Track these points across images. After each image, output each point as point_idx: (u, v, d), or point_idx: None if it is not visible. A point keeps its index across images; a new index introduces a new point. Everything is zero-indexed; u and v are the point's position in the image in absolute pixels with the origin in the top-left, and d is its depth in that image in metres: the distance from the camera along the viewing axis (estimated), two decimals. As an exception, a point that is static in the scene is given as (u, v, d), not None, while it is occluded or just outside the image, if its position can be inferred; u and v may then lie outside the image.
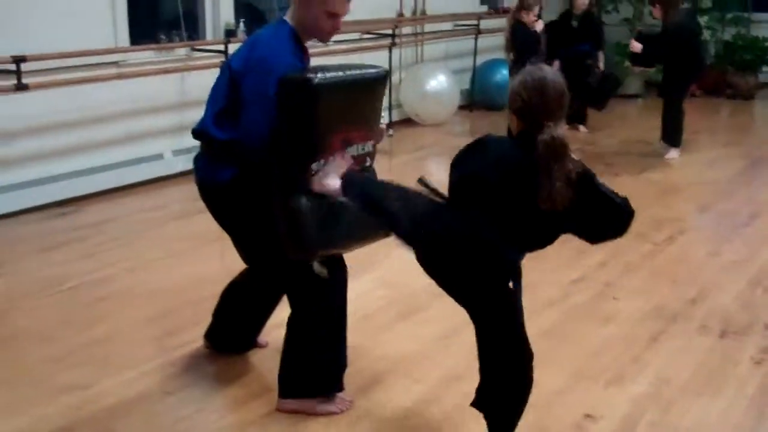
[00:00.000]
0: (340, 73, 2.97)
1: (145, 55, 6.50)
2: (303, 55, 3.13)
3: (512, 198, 2.52)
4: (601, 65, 8.65)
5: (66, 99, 5.87)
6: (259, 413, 3.24)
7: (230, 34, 6.97)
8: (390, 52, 8.44)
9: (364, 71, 3.11)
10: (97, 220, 5.65)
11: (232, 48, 5.09)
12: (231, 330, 3.66)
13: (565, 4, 9.96)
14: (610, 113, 8.86)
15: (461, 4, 9.95)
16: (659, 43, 7.43)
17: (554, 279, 4.59)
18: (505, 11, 9.83)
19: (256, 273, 3.44)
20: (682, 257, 5.15)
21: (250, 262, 3.36)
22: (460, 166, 2.63)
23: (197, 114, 3.25)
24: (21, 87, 5.43)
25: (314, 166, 2.90)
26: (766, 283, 4.65)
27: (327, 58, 6.23)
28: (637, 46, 7.44)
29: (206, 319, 3.70)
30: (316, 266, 3.05)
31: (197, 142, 3.25)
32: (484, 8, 10.54)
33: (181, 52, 6.77)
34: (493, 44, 10.00)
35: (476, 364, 2.80)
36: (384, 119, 3.28)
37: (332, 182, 2.86)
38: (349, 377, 3.33)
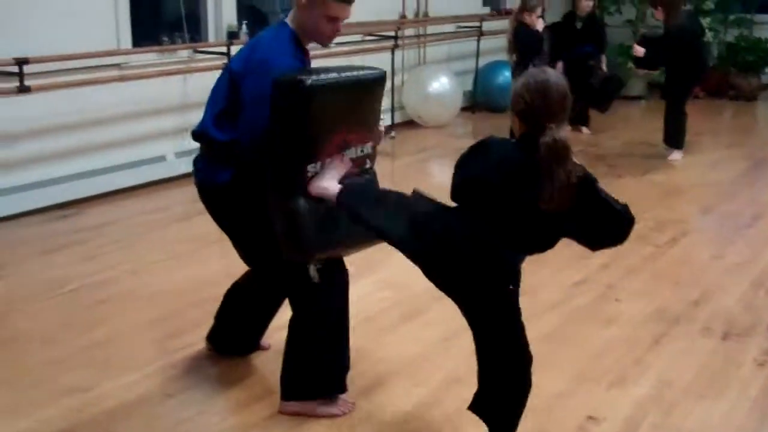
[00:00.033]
0: (335, 75, 2.97)
1: (148, 57, 6.51)
2: (304, 57, 3.13)
3: (514, 200, 2.52)
4: (604, 67, 8.65)
5: (68, 101, 5.87)
6: (262, 416, 3.23)
7: (233, 36, 6.97)
8: (392, 54, 8.44)
9: (360, 73, 3.10)
10: (99, 222, 5.65)
11: (235, 50, 5.08)
12: (234, 332, 3.66)
13: (568, 6, 9.95)
14: (613, 115, 8.86)
15: (464, 5, 9.94)
16: (661, 46, 7.42)
17: (556, 281, 4.58)
18: (508, 13, 9.85)
19: (259, 275, 3.43)
20: (685, 259, 5.14)
21: (250, 263, 3.36)
22: (463, 168, 2.63)
23: (200, 116, 3.25)
24: (23, 89, 5.43)
25: (310, 168, 2.89)
26: (769, 284, 4.65)
27: (329, 60, 6.23)
28: (639, 50, 7.43)
29: (208, 322, 3.70)
30: (312, 270, 3.05)
31: (199, 145, 3.25)
32: (487, 10, 10.53)
33: (184, 54, 6.77)
34: (496, 46, 9.98)
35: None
36: (383, 121, 3.27)
37: (330, 186, 2.85)
38: (351, 379, 3.32)
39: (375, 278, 4.52)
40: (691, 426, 3.21)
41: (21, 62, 5.39)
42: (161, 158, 6.50)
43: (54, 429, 3.14)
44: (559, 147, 2.44)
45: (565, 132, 2.50)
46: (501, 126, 6.68)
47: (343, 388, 3.25)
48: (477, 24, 9.87)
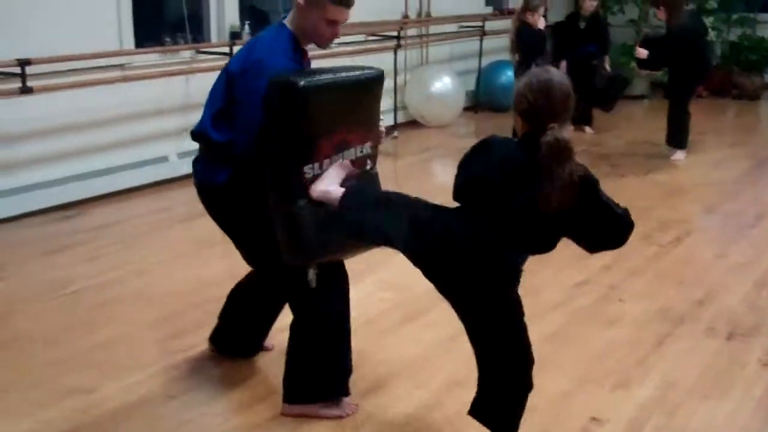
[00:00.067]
0: (330, 76, 2.97)
1: (150, 57, 6.51)
2: (301, 59, 3.13)
3: (516, 199, 2.51)
4: (608, 67, 8.65)
5: (71, 102, 5.87)
6: (264, 417, 3.23)
7: (235, 36, 6.96)
8: (395, 53, 8.44)
9: (357, 73, 3.10)
10: (101, 223, 5.65)
11: (237, 50, 5.09)
12: (237, 333, 3.65)
13: (570, 6, 9.96)
14: (616, 114, 8.85)
15: (466, 5, 9.93)
16: (664, 47, 7.41)
17: (558, 282, 4.58)
18: (510, 12, 9.83)
19: (262, 275, 3.43)
20: (688, 259, 5.13)
21: (251, 263, 3.36)
22: (465, 167, 2.63)
23: (202, 116, 3.26)
24: (26, 90, 5.43)
25: (307, 169, 2.89)
26: (773, 284, 4.63)
27: (332, 61, 6.22)
28: (642, 53, 7.43)
29: (211, 323, 3.69)
30: (310, 274, 3.04)
31: (198, 145, 3.25)
32: (489, 9, 10.52)
33: (186, 54, 6.77)
34: (498, 46, 9.98)
35: (479, 369, 2.79)
36: (383, 120, 3.26)
37: (332, 190, 2.84)
38: (352, 381, 3.31)
39: (376, 279, 4.52)
40: (696, 427, 3.20)
41: (23, 63, 5.39)
42: (164, 159, 6.50)
43: (56, 430, 3.13)
44: (560, 146, 2.43)
45: (567, 132, 2.49)
46: (504, 126, 6.69)
47: (345, 392, 3.24)
48: (480, 24, 9.86)
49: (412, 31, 9.17)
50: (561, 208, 2.44)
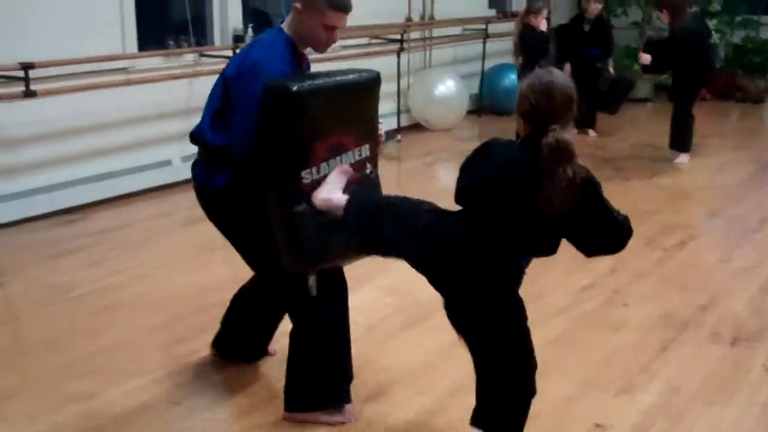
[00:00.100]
0: (324, 80, 2.97)
1: (153, 61, 6.51)
2: (298, 63, 3.13)
3: (519, 201, 2.50)
4: (611, 70, 8.65)
5: (74, 105, 5.88)
6: (267, 422, 3.22)
7: (238, 39, 6.96)
8: (398, 56, 8.44)
9: (353, 76, 3.10)
10: (104, 227, 5.65)
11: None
12: (240, 338, 3.65)
13: (574, 8, 9.94)
14: (619, 117, 8.84)
15: (469, 8, 9.93)
16: (667, 50, 7.40)
17: (563, 286, 4.56)
18: (514, 15, 9.82)
19: (263, 279, 3.42)
20: (693, 263, 5.11)
21: (252, 267, 3.35)
22: (467, 170, 2.62)
23: (205, 120, 3.26)
24: (29, 94, 5.44)
25: (304, 174, 2.89)
26: (778, 289, 4.62)
27: (336, 64, 6.22)
28: (646, 58, 7.43)
29: (213, 327, 3.69)
30: (311, 281, 3.04)
31: (197, 149, 3.26)
32: (493, 12, 10.52)
33: (189, 57, 6.78)
34: (502, 48, 9.98)
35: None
36: (382, 123, 3.25)
37: (334, 197, 2.82)
38: (354, 387, 3.30)
39: (378, 285, 4.51)
40: (700, 432, 3.20)
41: (27, 67, 5.39)
42: (167, 162, 6.49)
43: (60, 436, 3.13)
44: (561, 147, 2.42)
45: (569, 133, 2.48)
46: (507, 129, 6.68)
47: (347, 398, 3.23)
48: (483, 26, 9.86)
49: (415, 34, 9.17)
50: (563, 210, 2.43)
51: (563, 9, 10.67)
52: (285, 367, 3.24)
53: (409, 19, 9.06)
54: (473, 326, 2.70)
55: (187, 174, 3.38)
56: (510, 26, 9.24)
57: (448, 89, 8.88)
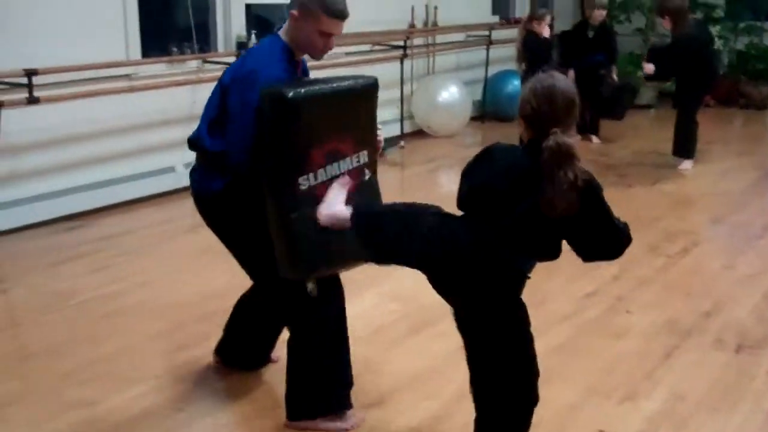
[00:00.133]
0: (320, 86, 2.98)
1: (157, 67, 6.52)
2: (295, 69, 3.14)
3: (521, 206, 2.49)
4: (615, 76, 8.66)
5: (77, 112, 5.88)
6: (269, 428, 3.21)
7: (242, 46, 6.97)
8: (401, 63, 8.43)
9: (349, 82, 3.10)
10: (107, 234, 5.65)
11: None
12: (243, 345, 3.64)
13: (578, 15, 9.95)
14: (622, 124, 8.84)
15: (473, 14, 9.94)
16: (670, 57, 7.40)
17: (566, 293, 4.55)
18: (517, 21, 9.83)
19: (261, 286, 3.42)
20: (696, 270, 5.10)
21: (249, 273, 3.34)
22: (469, 176, 2.61)
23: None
24: (32, 100, 5.44)
25: (302, 180, 2.89)
26: (782, 296, 4.60)
27: (337, 70, 6.22)
28: (649, 68, 7.44)
29: (215, 334, 3.68)
30: (309, 285, 3.03)
31: (195, 155, 3.27)
32: (496, 19, 10.53)
33: (193, 64, 6.78)
34: (505, 55, 9.98)
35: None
36: (381, 129, 3.25)
37: (338, 211, 2.79)
38: (359, 393, 3.30)
39: (382, 291, 4.50)
40: (704, 440, 3.19)
41: (30, 73, 5.40)
42: (170, 169, 6.49)
43: (61, 443, 3.13)
44: (562, 150, 2.41)
45: (571, 137, 2.47)
46: (510, 135, 6.65)
47: (347, 404, 3.22)
48: (486, 33, 9.87)
49: (418, 41, 9.18)
50: (565, 214, 2.42)
51: (566, 15, 10.68)
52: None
53: (412, 25, 9.06)
54: (476, 332, 2.69)
55: (191, 180, 3.37)
56: (513, 33, 9.24)
57: (451, 96, 8.88)
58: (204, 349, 3.76)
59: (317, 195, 2.90)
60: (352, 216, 2.72)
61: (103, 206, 6.07)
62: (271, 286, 3.21)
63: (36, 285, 4.71)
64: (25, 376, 3.66)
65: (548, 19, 8.08)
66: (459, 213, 2.65)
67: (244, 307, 3.58)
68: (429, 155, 8.21)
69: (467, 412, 3.10)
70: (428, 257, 2.60)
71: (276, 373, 3.58)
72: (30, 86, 5.40)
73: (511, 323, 2.65)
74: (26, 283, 4.75)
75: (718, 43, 9.80)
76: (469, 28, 9.79)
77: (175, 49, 6.80)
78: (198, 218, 3.31)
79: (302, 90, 2.88)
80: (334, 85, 3.04)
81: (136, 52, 6.32)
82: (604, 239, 2.53)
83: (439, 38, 9.51)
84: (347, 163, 3.02)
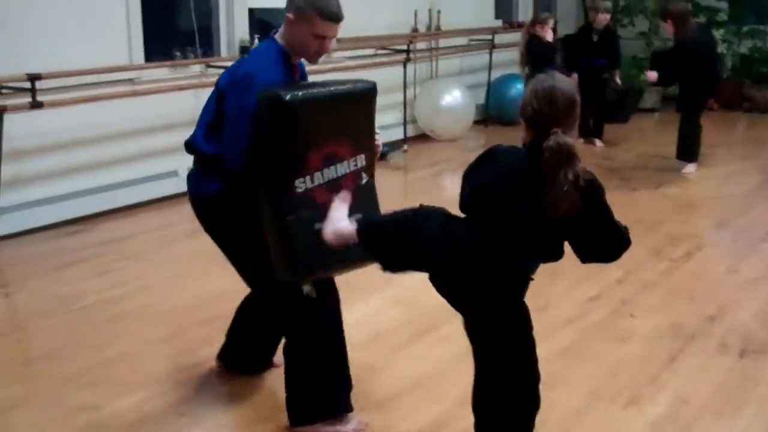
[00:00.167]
0: (318, 90, 2.98)
1: (160, 72, 6.52)
2: (291, 73, 3.14)
3: (523, 207, 2.49)
4: (618, 80, 8.66)
5: (80, 116, 5.89)
6: (272, 434, 3.21)
7: (245, 50, 6.96)
8: (405, 67, 8.43)
9: (347, 86, 3.10)
10: (110, 238, 5.65)
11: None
12: (245, 350, 3.63)
13: (581, 19, 9.94)
14: (626, 127, 8.83)
15: (476, 18, 9.94)
16: (673, 62, 7.40)
17: (570, 296, 4.54)
18: (520, 25, 9.84)
19: (256, 291, 3.41)
20: (700, 274, 5.08)
21: (244, 278, 3.33)
22: (470, 178, 2.61)
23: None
24: (36, 105, 5.44)
25: (298, 182, 2.89)
26: (786, 300, 4.59)
27: (340, 74, 6.22)
28: (652, 77, 7.46)
29: (219, 338, 3.67)
30: (306, 288, 3.03)
31: (193, 159, 3.27)
32: (499, 23, 10.52)
33: (196, 68, 6.79)
34: (508, 59, 9.98)
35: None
36: (379, 134, 3.25)
37: (343, 228, 2.74)
38: (363, 397, 3.29)
39: (385, 295, 4.49)
40: (709, 445, 3.17)
41: (33, 78, 5.40)
42: (173, 173, 6.49)
43: (64, 448, 3.12)
44: (563, 150, 2.41)
45: (572, 138, 2.47)
46: (514, 139, 6.64)
47: (348, 407, 3.21)
48: (489, 37, 9.87)
49: (421, 45, 9.18)
50: (568, 214, 2.42)
51: (569, 19, 10.68)
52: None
53: (415, 29, 9.06)
54: (482, 336, 2.68)
55: (193, 185, 3.37)
56: (516, 36, 9.26)
57: (455, 99, 8.88)
58: (205, 353, 3.76)
59: (314, 198, 2.91)
60: (357, 231, 2.70)
61: (106, 210, 6.07)
62: (266, 290, 3.21)
63: (38, 289, 4.70)
64: (27, 380, 3.66)
65: (551, 22, 8.09)
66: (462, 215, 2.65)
67: (245, 311, 3.57)
68: (432, 159, 8.21)
69: (470, 416, 3.09)
70: (433, 260, 2.60)
71: (278, 378, 3.54)
72: (33, 91, 5.41)
73: (514, 326, 2.64)
74: (28, 288, 4.75)
75: (721, 47, 9.79)
76: (472, 32, 9.79)
77: (178, 54, 6.80)
78: (198, 223, 3.31)
79: (300, 93, 2.89)
80: (332, 88, 3.04)
81: (139, 56, 6.32)
82: (605, 240, 2.53)
83: (442, 42, 9.52)
84: (345, 167, 3.02)
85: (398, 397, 3.49)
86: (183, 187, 6.34)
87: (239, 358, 3.64)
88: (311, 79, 3.39)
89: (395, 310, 4.35)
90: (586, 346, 4.00)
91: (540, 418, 2.74)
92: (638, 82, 9.83)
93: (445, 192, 6.94)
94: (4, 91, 5.45)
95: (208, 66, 6.80)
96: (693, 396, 3.51)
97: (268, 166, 2.89)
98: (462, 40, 9.74)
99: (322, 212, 2.85)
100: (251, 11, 7.32)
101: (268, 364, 3.67)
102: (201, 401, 3.45)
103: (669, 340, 4.05)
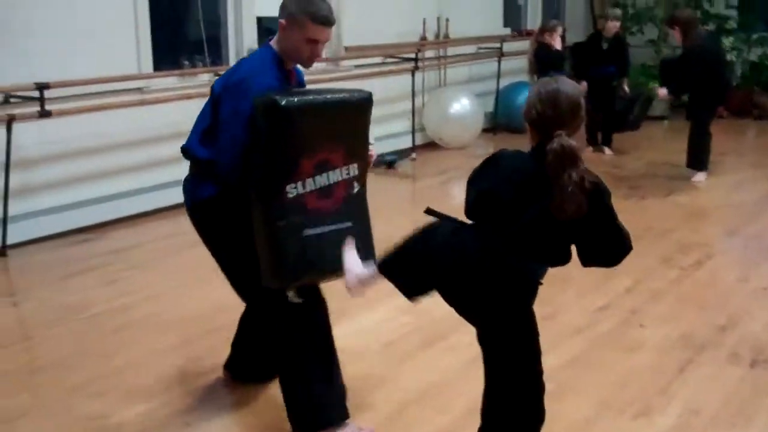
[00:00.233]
0: (313, 97, 3.00)
1: (168, 81, 6.53)
2: (286, 79, 3.15)
3: (529, 210, 2.47)
4: (627, 88, 8.64)
5: (89, 125, 5.89)
6: (278, 444, 3.19)
7: (252, 59, 6.97)
8: (413, 75, 8.42)
9: (343, 95, 3.11)
10: (117, 247, 5.64)
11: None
12: (250, 359, 3.62)
13: (590, 27, 9.92)
14: (635, 136, 8.80)
15: (484, 26, 9.93)
16: (681, 70, 7.38)
17: (579, 306, 4.51)
18: (528, 33, 9.84)
19: (245, 298, 3.39)
20: (710, 282, 5.05)
21: (233, 283, 3.31)
22: (475, 183, 2.61)
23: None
24: (44, 114, 5.45)
25: (289, 188, 2.90)
26: (797, 309, 4.55)
27: (350, 83, 6.21)
28: (662, 93, 7.50)
29: (225, 347, 3.66)
30: (290, 294, 3.03)
31: (189, 165, 3.28)
32: (507, 31, 10.52)
33: (204, 77, 6.78)
34: (517, 67, 9.97)
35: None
36: (373, 144, 3.25)
37: (360, 273, 2.75)
38: (371, 407, 3.28)
39: (394, 304, 4.42)
40: (719, 456, 3.14)
41: (42, 87, 5.41)
42: (180, 183, 6.47)
43: (70, 458, 3.11)
44: (566, 153, 2.41)
45: (577, 141, 2.46)
46: (522, 147, 6.63)
47: (345, 414, 3.18)
48: (498, 45, 9.86)
49: (430, 53, 9.18)
50: (575, 216, 2.40)
51: (578, 27, 10.66)
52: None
53: (423, 38, 9.06)
54: (491, 345, 2.66)
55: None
56: (525, 44, 9.26)
57: (463, 107, 8.87)
58: (213, 362, 3.74)
59: (305, 204, 2.93)
60: (378, 270, 2.70)
61: (115, 219, 6.08)
62: (255, 299, 3.21)
63: (45, 298, 4.70)
64: (34, 389, 3.65)
65: (560, 30, 8.08)
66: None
67: (247, 321, 3.56)
68: (441, 167, 8.20)
69: (477, 426, 3.07)
70: (439, 268, 2.58)
71: (285, 388, 3.55)
72: (42, 100, 5.42)
73: (521, 334, 2.62)
74: (36, 297, 4.74)
75: (731, 55, 9.76)
76: (480, 40, 9.78)
77: (186, 63, 6.82)
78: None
79: (295, 99, 2.90)
80: (328, 96, 3.06)
81: (147, 65, 6.33)
82: (608, 243, 2.51)
83: (451, 50, 9.51)
84: (337, 175, 3.03)
85: (405, 407, 3.46)
86: (190, 195, 6.40)
87: (245, 368, 3.62)
88: (316, 86, 3.39)
89: (402, 320, 4.33)
90: (595, 356, 3.97)
91: (547, 428, 2.71)
92: (647, 90, 9.81)
93: (454, 200, 6.92)
94: (12, 100, 5.46)
95: (217, 75, 6.78)
96: (703, 407, 3.48)
97: (261, 171, 2.90)
98: (470, 48, 9.74)
99: (312, 218, 2.93)
100: (259, 20, 7.32)
101: (274, 374, 3.65)
102: (206, 410, 3.43)
103: (679, 350, 4.02)
